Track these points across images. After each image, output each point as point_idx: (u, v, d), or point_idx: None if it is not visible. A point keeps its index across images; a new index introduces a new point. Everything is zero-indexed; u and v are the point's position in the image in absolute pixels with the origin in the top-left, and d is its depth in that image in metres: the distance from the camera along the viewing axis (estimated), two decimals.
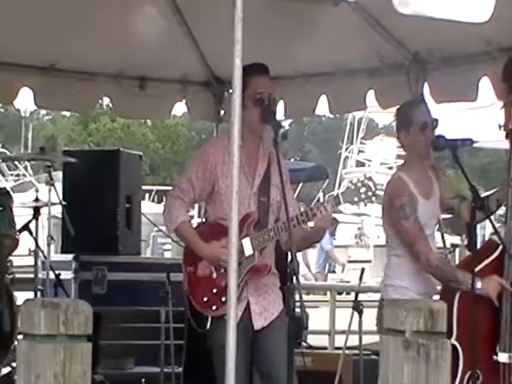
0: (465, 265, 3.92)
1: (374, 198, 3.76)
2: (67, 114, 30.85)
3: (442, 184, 4.13)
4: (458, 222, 4.16)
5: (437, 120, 4.01)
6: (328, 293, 8.40)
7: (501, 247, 3.82)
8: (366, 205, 3.80)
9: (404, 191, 3.92)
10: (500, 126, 3.91)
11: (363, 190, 3.66)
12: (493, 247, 3.86)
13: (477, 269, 3.72)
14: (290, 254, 3.45)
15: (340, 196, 3.69)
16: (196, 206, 6.36)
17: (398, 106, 4.18)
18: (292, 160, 33.86)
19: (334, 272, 15.15)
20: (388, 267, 4.05)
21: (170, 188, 4.31)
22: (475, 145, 3.98)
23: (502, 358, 3.79)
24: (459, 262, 4.12)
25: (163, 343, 5.03)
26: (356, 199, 3.67)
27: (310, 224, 3.78)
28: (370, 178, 3.69)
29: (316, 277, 13.78)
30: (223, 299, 3.63)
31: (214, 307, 3.76)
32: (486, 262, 3.81)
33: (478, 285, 3.69)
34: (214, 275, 3.79)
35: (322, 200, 3.96)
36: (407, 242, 3.91)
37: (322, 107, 5.90)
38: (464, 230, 3.97)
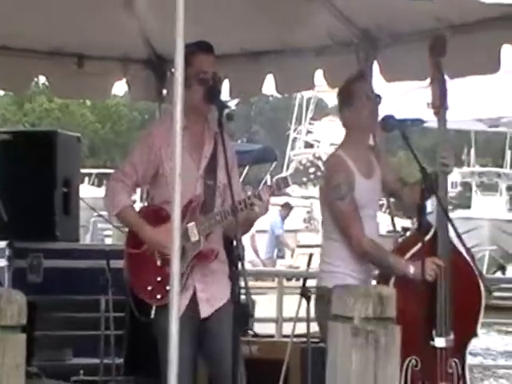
0: (399, 249, 3.93)
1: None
2: (1, 92, 30.26)
3: (386, 165, 4.10)
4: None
5: (380, 96, 3.97)
6: (276, 279, 8.32)
7: (433, 228, 3.80)
8: (315, 186, 3.79)
9: (341, 168, 3.89)
10: (428, 104, 3.88)
11: (312, 170, 3.59)
12: (427, 229, 3.81)
13: (410, 253, 3.75)
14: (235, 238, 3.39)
15: (288, 178, 3.62)
16: (138, 190, 6.22)
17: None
18: (239, 141, 33.82)
19: (282, 258, 15.07)
20: (324, 252, 4.01)
21: (110, 171, 4.20)
22: (425, 125, 3.96)
23: (439, 342, 3.79)
24: (395, 247, 4.13)
25: (103, 333, 4.99)
26: (305, 180, 3.61)
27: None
28: (319, 158, 3.62)
29: (265, 263, 13.71)
30: (168, 288, 3.51)
31: (158, 296, 3.68)
32: (420, 245, 3.76)
33: (411, 269, 3.70)
34: (159, 263, 3.70)
35: (269, 183, 3.92)
36: (341, 224, 3.89)
37: (269, 87, 5.84)
38: (414, 213, 3.90)
